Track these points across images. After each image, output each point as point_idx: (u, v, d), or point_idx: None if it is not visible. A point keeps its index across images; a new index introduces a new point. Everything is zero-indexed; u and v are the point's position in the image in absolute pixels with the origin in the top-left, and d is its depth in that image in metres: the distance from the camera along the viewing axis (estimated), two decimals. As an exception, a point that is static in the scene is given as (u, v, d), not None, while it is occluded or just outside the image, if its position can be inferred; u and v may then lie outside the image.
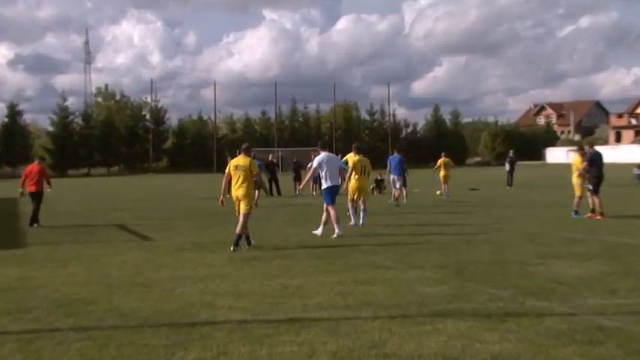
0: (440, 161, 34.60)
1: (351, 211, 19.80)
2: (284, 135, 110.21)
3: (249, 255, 14.12)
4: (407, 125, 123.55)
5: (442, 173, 34.12)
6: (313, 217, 21.36)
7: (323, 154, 17.70)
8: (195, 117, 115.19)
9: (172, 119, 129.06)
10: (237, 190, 15.17)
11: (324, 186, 17.60)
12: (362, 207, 19.80)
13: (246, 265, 12.90)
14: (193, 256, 14.10)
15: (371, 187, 33.56)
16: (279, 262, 13.17)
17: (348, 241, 16.02)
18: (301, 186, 31.22)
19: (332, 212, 17.11)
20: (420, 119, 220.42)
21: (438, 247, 14.76)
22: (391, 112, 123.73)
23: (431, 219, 21.56)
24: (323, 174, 17.59)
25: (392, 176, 28.24)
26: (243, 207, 15.13)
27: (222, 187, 15.26)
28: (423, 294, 9.86)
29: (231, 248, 14.77)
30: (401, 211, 25.00)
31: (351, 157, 20.12)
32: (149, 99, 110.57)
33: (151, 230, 19.49)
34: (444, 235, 17.06)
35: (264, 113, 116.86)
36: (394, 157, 28.55)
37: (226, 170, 15.45)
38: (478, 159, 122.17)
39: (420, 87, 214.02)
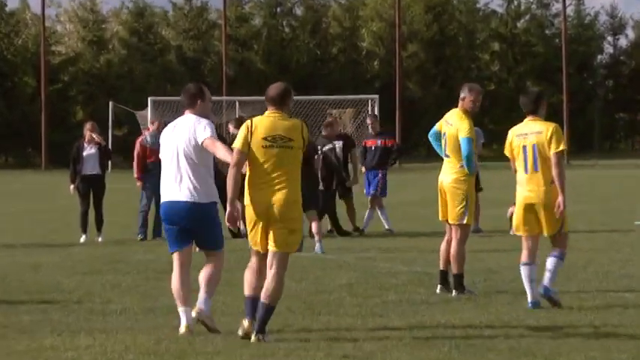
0: None
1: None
2: (250, 57, 53.31)
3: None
4: (618, 28, 56.80)
5: None
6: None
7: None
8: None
9: None
10: (274, 193, 6.75)
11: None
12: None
13: None
14: None
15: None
16: None
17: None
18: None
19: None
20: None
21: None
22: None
23: None
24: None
25: None
26: (277, 236, 6.77)
27: (231, 186, 6.75)
28: None
29: (253, 338, 6.64)
30: None
31: (461, 119, 8.65)
32: None
33: None
34: None
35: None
36: None
37: (237, 145, 6.81)
38: None
39: None
